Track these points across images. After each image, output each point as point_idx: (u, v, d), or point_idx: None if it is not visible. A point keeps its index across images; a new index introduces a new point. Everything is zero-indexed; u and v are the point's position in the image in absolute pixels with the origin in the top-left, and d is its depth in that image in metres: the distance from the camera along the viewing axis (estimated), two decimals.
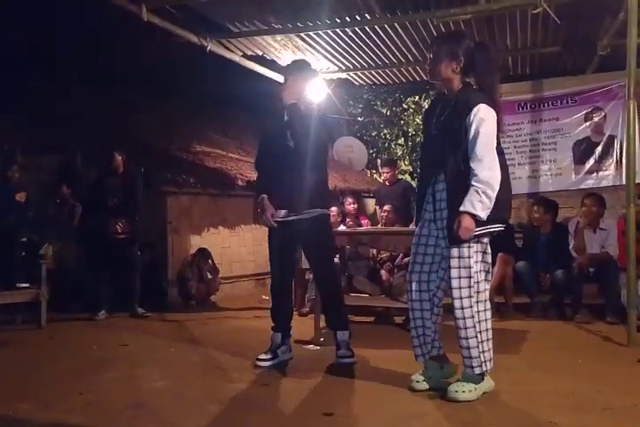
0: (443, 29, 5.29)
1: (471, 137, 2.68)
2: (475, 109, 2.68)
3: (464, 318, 2.75)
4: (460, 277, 2.74)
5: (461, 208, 2.66)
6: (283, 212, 3.45)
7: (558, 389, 2.92)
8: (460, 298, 2.74)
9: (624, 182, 4.48)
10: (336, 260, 5.57)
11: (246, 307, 6.12)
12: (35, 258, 5.07)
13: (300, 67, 3.62)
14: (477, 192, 2.65)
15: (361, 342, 4.01)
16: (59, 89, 7.76)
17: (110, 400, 2.85)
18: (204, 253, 6.54)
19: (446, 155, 2.75)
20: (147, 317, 5.46)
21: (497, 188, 2.69)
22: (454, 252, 2.75)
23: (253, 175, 7.32)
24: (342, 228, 5.64)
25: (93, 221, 5.61)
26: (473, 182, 2.66)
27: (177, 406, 2.77)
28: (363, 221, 6.37)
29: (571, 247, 5.18)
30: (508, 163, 7.41)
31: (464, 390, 2.73)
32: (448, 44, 2.83)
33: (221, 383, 3.12)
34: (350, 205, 6.33)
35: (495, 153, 2.72)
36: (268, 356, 3.48)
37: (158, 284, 6.29)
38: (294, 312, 5.61)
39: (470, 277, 2.74)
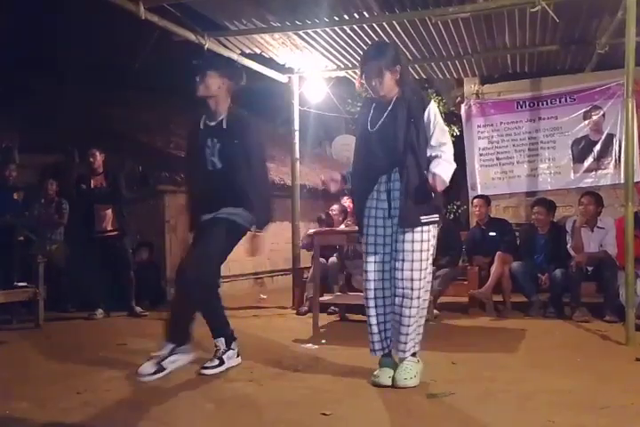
0: (441, 27, 5.28)
1: (434, 129, 2.89)
2: (430, 107, 2.91)
3: (413, 299, 2.85)
4: (420, 260, 2.86)
5: (435, 170, 2.81)
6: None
7: (556, 387, 2.92)
8: (413, 280, 2.84)
9: (623, 181, 4.47)
10: (334, 259, 5.59)
11: (244, 306, 6.12)
12: (32, 257, 5.07)
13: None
14: (447, 164, 2.87)
15: (359, 340, 4.00)
16: (57, 88, 7.75)
17: (107, 400, 2.84)
18: None
19: (400, 151, 2.86)
20: (144, 316, 5.45)
21: (452, 163, 2.93)
22: (415, 235, 2.86)
23: None
24: (343, 227, 5.63)
25: (80, 221, 5.59)
26: (443, 158, 2.87)
27: (174, 405, 2.76)
28: None
29: (568, 246, 5.19)
30: (507, 161, 7.49)
31: (411, 377, 2.88)
32: (386, 58, 2.93)
33: (218, 383, 3.11)
34: (346, 203, 6.33)
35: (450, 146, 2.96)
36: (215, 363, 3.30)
37: (156, 283, 6.29)
38: (293, 311, 5.66)
39: (427, 260, 2.88)
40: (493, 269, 5.31)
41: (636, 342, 3.86)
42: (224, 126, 3.29)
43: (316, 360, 3.61)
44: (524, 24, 5.30)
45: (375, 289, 2.99)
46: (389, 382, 2.92)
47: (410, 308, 2.86)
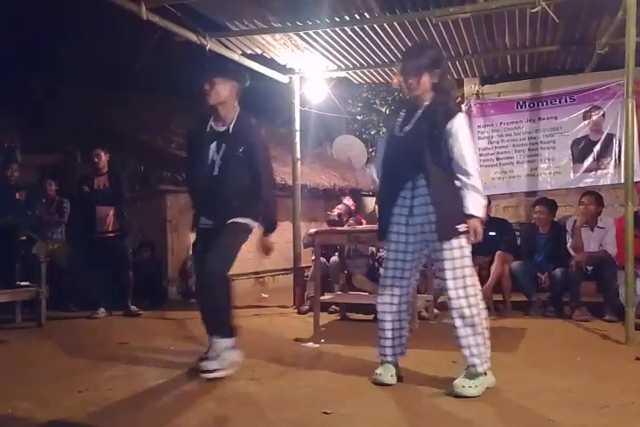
0: (441, 28, 5.30)
1: (457, 144, 2.80)
2: (458, 116, 2.83)
3: (472, 316, 2.79)
4: (460, 268, 2.80)
5: (468, 212, 2.78)
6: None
7: (556, 387, 2.93)
8: (467, 296, 2.79)
9: (622, 181, 4.48)
10: (335, 258, 5.61)
11: (245, 305, 6.12)
12: (34, 256, 5.09)
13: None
14: (476, 196, 2.80)
15: (360, 339, 4.02)
16: (57, 88, 7.76)
17: (109, 399, 2.85)
18: None
19: (426, 158, 2.81)
20: (139, 315, 5.45)
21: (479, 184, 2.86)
22: (456, 252, 2.79)
23: None
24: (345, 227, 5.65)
25: (81, 221, 5.60)
26: (469, 188, 2.80)
27: (175, 404, 2.78)
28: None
29: (568, 246, 5.20)
30: (507, 161, 7.48)
31: (470, 386, 2.76)
32: (429, 56, 2.91)
33: (219, 381, 3.12)
34: (349, 202, 6.35)
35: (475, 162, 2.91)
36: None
37: (158, 282, 6.31)
38: (294, 310, 5.68)
39: (466, 267, 2.82)
40: (493, 268, 5.32)
41: (635, 341, 3.87)
42: (231, 132, 3.29)
43: (316, 359, 3.62)
44: (524, 24, 5.31)
45: (392, 295, 2.96)
46: (393, 381, 2.92)
47: (463, 317, 2.79)
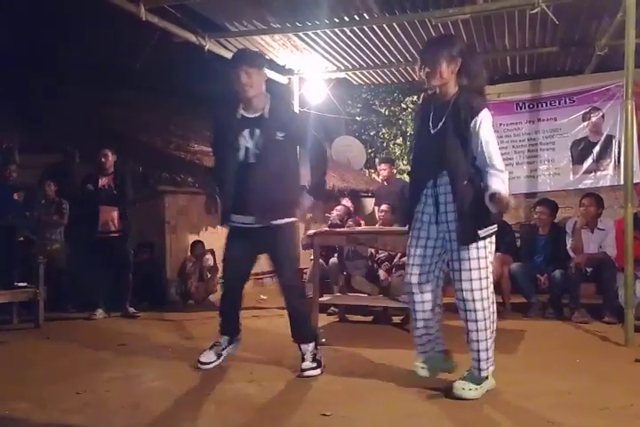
0: (441, 29, 5.29)
1: (483, 140, 2.73)
2: (481, 114, 2.74)
3: (484, 320, 2.77)
4: (480, 279, 2.76)
5: (493, 189, 2.67)
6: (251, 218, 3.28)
7: (556, 388, 2.92)
8: (482, 299, 2.76)
9: (622, 182, 4.48)
10: (334, 259, 5.60)
11: (244, 307, 6.09)
12: (32, 257, 5.07)
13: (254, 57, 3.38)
14: (502, 181, 2.72)
15: (359, 341, 4.02)
16: (57, 88, 7.75)
17: (107, 400, 2.84)
18: (201, 246, 6.53)
19: (451, 156, 2.76)
20: (137, 316, 5.44)
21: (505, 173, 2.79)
22: (472, 253, 2.76)
23: None
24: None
25: (83, 220, 5.58)
26: (497, 173, 2.71)
27: (174, 406, 2.76)
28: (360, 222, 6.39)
29: (568, 247, 5.19)
30: (506, 162, 7.49)
31: (470, 388, 2.75)
32: (446, 47, 2.82)
33: (219, 383, 3.11)
34: (348, 204, 6.35)
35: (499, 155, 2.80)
36: (212, 359, 3.40)
37: (157, 283, 6.29)
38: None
39: (488, 278, 2.78)
40: (492, 270, 5.31)
41: (635, 343, 3.86)
42: (267, 117, 3.22)
43: None
44: (523, 26, 5.32)
45: (422, 293, 2.91)
46: (425, 373, 2.93)
47: (476, 331, 2.78)
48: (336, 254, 5.64)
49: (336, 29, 5.33)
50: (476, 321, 2.77)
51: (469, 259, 2.76)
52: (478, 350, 2.78)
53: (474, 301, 2.76)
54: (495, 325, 2.86)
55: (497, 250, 5.30)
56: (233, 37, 5.65)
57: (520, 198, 6.91)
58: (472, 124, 2.73)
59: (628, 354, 3.66)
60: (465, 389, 2.75)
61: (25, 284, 4.98)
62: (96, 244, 5.43)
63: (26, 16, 8.07)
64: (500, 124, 6.93)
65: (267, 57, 3.63)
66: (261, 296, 6.79)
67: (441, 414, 2.60)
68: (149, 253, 6.33)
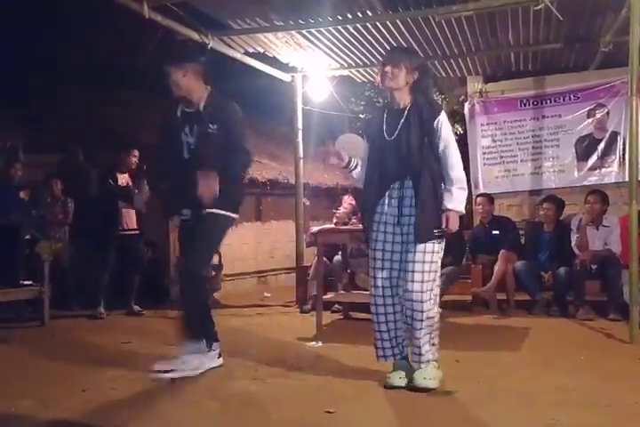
0: (444, 26, 5.28)
1: (443, 142, 2.90)
2: (440, 116, 2.90)
3: (426, 311, 2.84)
4: (428, 271, 2.85)
5: (449, 206, 2.87)
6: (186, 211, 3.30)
7: (560, 386, 2.92)
8: (423, 291, 2.83)
9: (627, 179, 4.46)
10: (338, 257, 5.60)
11: (248, 304, 6.13)
12: (37, 255, 5.09)
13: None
14: (460, 192, 2.90)
15: (363, 338, 4.01)
16: (59, 88, 7.76)
17: (112, 398, 2.85)
18: None
19: (414, 161, 2.88)
20: (142, 314, 5.46)
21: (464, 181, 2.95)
22: (423, 247, 2.85)
23: (255, 172, 7.34)
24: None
25: (100, 215, 5.59)
26: (454, 184, 2.89)
27: (177, 403, 2.77)
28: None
29: (573, 244, 5.18)
30: (510, 159, 7.46)
31: (432, 378, 2.83)
32: (410, 57, 3.04)
33: (222, 381, 3.12)
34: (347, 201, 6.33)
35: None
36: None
37: (160, 281, 6.31)
38: (296, 310, 5.67)
39: (436, 272, 2.89)
40: (497, 267, 5.31)
41: (639, 340, 3.85)
42: (202, 110, 3.25)
43: (319, 358, 3.62)
44: (527, 22, 5.29)
45: (385, 296, 2.96)
46: (402, 383, 2.89)
47: (420, 320, 2.83)
48: (340, 252, 5.64)
49: (339, 27, 5.31)
50: (418, 311, 2.83)
51: (424, 252, 2.85)
52: (425, 338, 2.87)
53: (418, 292, 2.83)
54: (438, 315, 2.93)
55: (501, 247, 5.39)
56: (236, 35, 5.64)
57: (524, 196, 6.90)
58: (435, 124, 2.89)
59: (632, 351, 3.65)
60: (426, 378, 2.83)
61: (30, 282, 5.00)
62: (111, 241, 5.44)
63: (27, 15, 8.08)
64: (504, 121, 6.91)
65: (191, 52, 3.58)
66: (265, 294, 6.81)
67: (444, 411, 2.60)
68: (152, 251, 6.34)
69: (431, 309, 2.86)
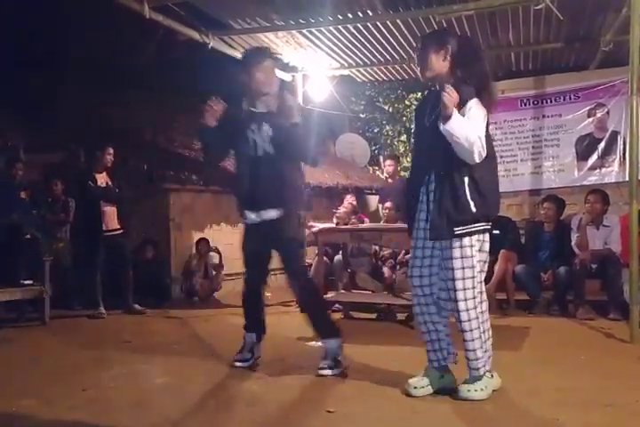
0: (445, 26, 5.28)
1: (468, 118, 2.64)
2: (470, 102, 2.66)
3: (470, 320, 2.70)
4: (464, 279, 2.68)
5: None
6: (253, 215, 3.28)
7: (561, 385, 2.92)
8: (465, 300, 2.69)
9: (627, 179, 4.46)
10: (339, 257, 5.60)
11: None
12: (38, 255, 5.09)
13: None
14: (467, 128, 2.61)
15: (363, 338, 4.02)
16: (60, 87, 7.76)
17: (112, 397, 2.86)
18: (206, 243, 6.54)
19: (440, 150, 2.68)
20: (144, 313, 5.46)
21: (472, 141, 2.60)
22: (456, 252, 2.68)
23: None
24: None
25: (87, 217, 5.60)
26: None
27: (179, 402, 2.77)
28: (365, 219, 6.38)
29: (573, 244, 5.18)
30: (510, 159, 7.46)
31: (476, 389, 2.70)
32: (433, 38, 2.86)
33: (224, 380, 3.12)
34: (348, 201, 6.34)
35: (484, 140, 2.65)
36: (248, 355, 3.41)
37: (161, 280, 6.31)
38: (297, 309, 5.66)
39: (474, 277, 2.70)
40: (497, 266, 5.31)
41: (639, 339, 3.85)
42: (275, 111, 3.22)
43: (320, 358, 3.61)
44: (527, 21, 5.29)
45: (424, 296, 2.83)
46: (417, 393, 2.76)
47: (468, 331, 2.70)
48: (340, 252, 5.65)
49: (340, 26, 5.32)
50: (461, 322, 2.71)
51: (452, 258, 2.68)
52: (475, 349, 2.72)
53: (457, 301, 2.69)
54: (486, 324, 2.77)
55: (501, 247, 5.39)
56: (236, 35, 5.65)
57: (524, 195, 6.90)
58: (463, 110, 2.64)
59: (632, 351, 3.65)
60: (471, 390, 2.70)
61: (31, 282, 5.00)
62: (99, 241, 5.45)
63: (27, 15, 8.08)
64: (505, 121, 6.91)
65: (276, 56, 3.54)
66: (266, 293, 6.80)
67: (445, 411, 2.60)
68: (153, 250, 6.35)
69: (473, 319, 2.69)
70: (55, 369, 3.44)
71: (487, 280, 5.26)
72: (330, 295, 5.02)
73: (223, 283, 6.59)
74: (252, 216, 3.28)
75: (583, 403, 2.65)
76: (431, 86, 2.93)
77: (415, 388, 2.78)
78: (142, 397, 2.85)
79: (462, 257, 2.68)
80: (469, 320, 2.70)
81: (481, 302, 2.75)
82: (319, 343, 4.00)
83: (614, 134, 6.48)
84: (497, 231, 5.62)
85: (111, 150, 5.52)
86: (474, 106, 2.67)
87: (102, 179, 5.52)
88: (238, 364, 3.36)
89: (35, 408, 2.70)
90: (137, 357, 3.70)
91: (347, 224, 5.70)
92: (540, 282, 5.20)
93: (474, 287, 2.71)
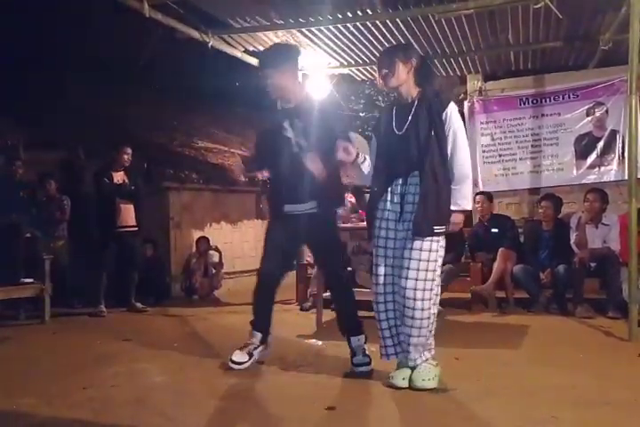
0: (444, 24, 5.28)
1: (451, 136, 2.85)
2: (448, 108, 2.86)
3: (422, 310, 2.79)
4: (425, 270, 2.80)
5: (455, 207, 2.85)
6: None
7: (559, 383, 2.93)
8: (416, 289, 2.79)
9: (626, 177, 4.47)
10: None
11: (248, 302, 6.09)
12: (37, 254, 5.10)
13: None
14: (465, 189, 2.87)
15: None
16: (60, 86, 7.76)
17: (112, 395, 2.86)
18: (206, 242, 6.55)
19: (422, 156, 2.83)
20: (146, 311, 5.48)
21: (469, 171, 2.89)
22: (421, 244, 2.80)
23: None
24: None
25: (100, 214, 5.61)
26: (460, 182, 2.85)
27: (178, 400, 2.78)
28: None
29: (572, 242, 5.19)
30: (510, 158, 7.46)
31: (429, 378, 2.82)
32: (400, 50, 3.03)
33: (223, 378, 3.13)
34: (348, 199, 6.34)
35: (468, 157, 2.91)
36: (245, 358, 3.28)
37: (161, 279, 6.32)
38: (296, 307, 5.68)
39: (434, 271, 2.83)
40: (496, 265, 5.32)
41: (638, 338, 3.86)
42: (302, 106, 3.26)
43: (319, 356, 3.63)
44: (527, 20, 5.29)
45: (385, 293, 2.94)
46: (405, 384, 2.84)
47: (412, 318, 2.79)
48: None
49: (339, 25, 5.32)
50: (414, 309, 2.78)
51: (421, 250, 2.80)
52: (421, 336, 2.83)
53: (414, 289, 2.78)
54: (435, 315, 2.88)
55: (500, 245, 5.39)
56: (236, 33, 5.65)
57: (523, 194, 6.91)
58: (443, 117, 2.84)
59: (631, 349, 3.66)
60: (425, 380, 2.81)
61: (31, 280, 5.01)
62: (111, 239, 5.46)
63: (27, 15, 8.07)
64: (504, 120, 6.92)
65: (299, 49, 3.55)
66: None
67: (444, 407, 2.61)
68: (153, 249, 6.36)
69: (426, 309, 2.80)
70: (55, 367, 3.45)
71: (486, 279, 5.33)
72: (329, 294, 5.02)
73: (223, 281, 6.60)
74: (289, 208, 3.28)
75: (581, 401, 2.66)
76: (391, 96, 3.08)
77: (396, 378, 2.87)
78: (142, 395, 2.86)
79: (429, 250, 2.82)
80: (421, 310, 2.79)
81: (436, 295, 2.89)
82: (319, 342, 4.03)
83: (613, 133, 6.49)
84: (496, 230, 5.66)
85: (129, 150, 5.57)
86: (454, 109, 2.88)
87: (119, 177, 5.56)
88: (233, 365, 3.25)
89: (35, 407, 2.70)
90: (137, 355, 3.71)
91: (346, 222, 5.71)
92: (539, 281, 5.21)
93: (433, 280, 2.84)
